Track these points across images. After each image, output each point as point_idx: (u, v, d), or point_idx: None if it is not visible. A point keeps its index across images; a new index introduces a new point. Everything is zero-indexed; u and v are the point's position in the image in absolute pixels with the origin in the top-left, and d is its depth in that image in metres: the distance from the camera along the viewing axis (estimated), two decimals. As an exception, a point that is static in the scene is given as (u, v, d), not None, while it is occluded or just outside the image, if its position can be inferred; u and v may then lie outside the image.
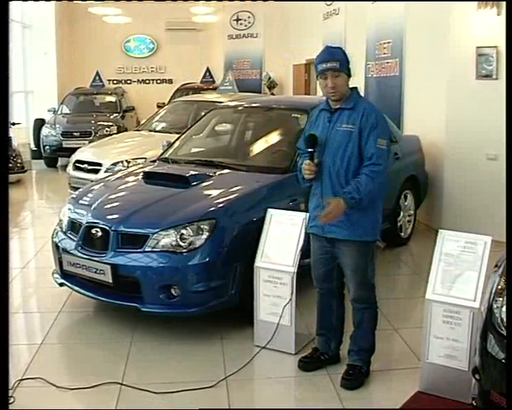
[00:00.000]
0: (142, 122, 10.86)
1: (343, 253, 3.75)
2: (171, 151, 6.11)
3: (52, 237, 5.06)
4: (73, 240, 4.72)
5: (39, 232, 7.76)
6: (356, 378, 3.82)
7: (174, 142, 6.34)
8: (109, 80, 17.30)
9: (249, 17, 14.73)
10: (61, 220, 5.07)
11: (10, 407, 3.42)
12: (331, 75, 3.64)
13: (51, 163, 13.23)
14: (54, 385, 3.79)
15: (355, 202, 3.54)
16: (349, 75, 3.72)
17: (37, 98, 15.17)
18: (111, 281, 4.44)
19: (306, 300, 4.42)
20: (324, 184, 3.71)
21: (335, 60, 3.65)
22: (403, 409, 3.55)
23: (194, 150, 6.31)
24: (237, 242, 4.46)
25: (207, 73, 17.35)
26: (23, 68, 14.86)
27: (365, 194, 3.55)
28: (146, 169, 5.58)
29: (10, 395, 3.57)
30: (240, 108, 6.62)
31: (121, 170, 6.85)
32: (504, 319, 2.83)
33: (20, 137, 12.42)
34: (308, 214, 3.93)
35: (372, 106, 3.78)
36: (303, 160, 3.81)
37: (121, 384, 3.80)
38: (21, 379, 3.84)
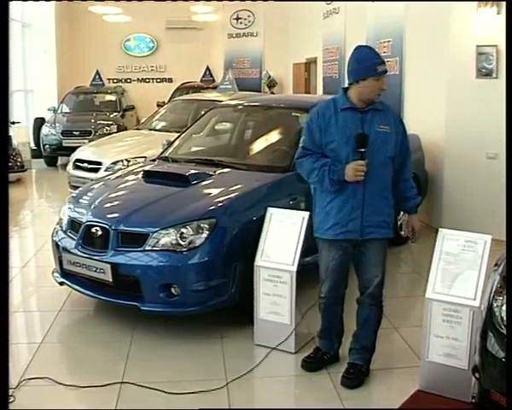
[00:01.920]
0: (142, 121, 10.86)
1: (371, 251, 3.74)
2: (171, 150, 6.10)
3: (52, 236, 5.06)
4: (73, 239, 4.72)
5: (39, 231, 7.76)
6: (356, 377, 3.82)
7: (174, 141, 6.34)
8: (109, 79, 17.29)
9: (249, 16, 14.69)
10: (61, 219, 5.07)
11: (12, 406, 3.43)
12: (384, 78, 3.67)
13: (51, 162, 13.23)
14: (61, 384, 3.78)
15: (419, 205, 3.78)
16: None
17: (37, 97, 15.16)
18: (111, 280, 4.44)
19: (306, 298, 4.42)
20: (369, 184, 3.62)
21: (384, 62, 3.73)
22: (403, 408, 3.55)
23: (194, 149, 6.31)
24: (237, 241, 4.46)
25: (207, 72, 17.34)
26: (23, 67, 14.84)
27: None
28: (146, 168, 5.57)
29: (11, 394, 3.57)
30: (240, 106, 6.62)
31: (121, 169, 6.85)
32: (504, 318, 2.83)
33: (20, 136, 12.41)
34: (330, 221, 3.72)
35: (392, 108, 3.93)
36: (319, 161, 3.66)
37: (132, 384, 3.79)
38: (28, 378, 3.83)
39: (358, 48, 3.77)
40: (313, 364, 4.00)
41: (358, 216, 3.65)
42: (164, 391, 3.69)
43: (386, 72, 3.68)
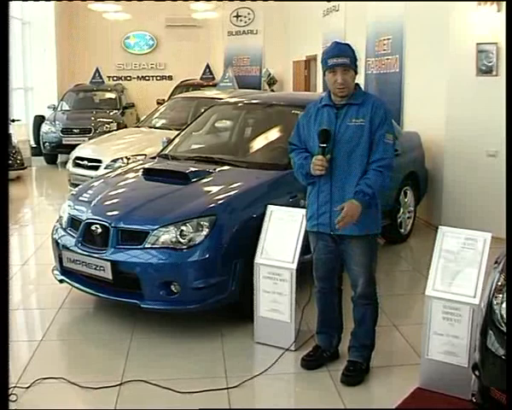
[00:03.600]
0: (142, 119, 10.85)
1: (351, 249, 3.73)
2: (170, 148, 6.10)
3: (52, 234, 5.06)
4: (73, 237, 4.72)
5: (39, 229, 7.77)
6: (356, 375, 3.82)
7: (174, 138, 6.33)
8: (109, 77, 17.28)
9: (249, 14, 14.72)
10: (60, 217, 5.07)
11: (15, 405, 3.44)
12: (341, 71, 3.63)
13: (51, 160, 13.24)
14: (77, 385, 3.75)
15: (369, 198, 3.58)
16: (356, 72, 3.74)
17: (36, 95, 15.17)
18: (111, 278, 4.44)
19: (306, 296, 4.42)
20: (335, 179, 3.65)
21: (345, 56, 3.66)
22: (402, 406, 3.55)
23: (193, 147, 6.30)
24: (237, 238, 4.46)
25: (207, 70, 17.32)
26: (23, 65, 14.85)
27: (376, 188, 3.60)
28: (146, 166, 5.56)
29: (14, 393, 3.57)
30: (240, 104, 6.61)
31: (121, 167, 6.85)
32: (504, 316, 2.83)
33: (20, 133, 12.41)
34: (308, 212, 3.85)
35: (380, 100, 3.82)
36: (300, 156, 3.78)
37: (145, 382, 3.78)
38: (43, 378, 3.81)
39: (331, 43, 3.85)
40: (312, 362, 3.99)
41: (327, 210, 3.69)
42: (177, 391, 3.67)
43: (339, 65, 3.62)
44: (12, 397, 3.51)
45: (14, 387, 3.64)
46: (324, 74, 3.75)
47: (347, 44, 3.83)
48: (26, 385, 3.71)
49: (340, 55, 3.65)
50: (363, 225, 3.66)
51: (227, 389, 3.73)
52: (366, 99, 3.73)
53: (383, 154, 3.63)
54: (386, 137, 3.66)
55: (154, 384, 3.74)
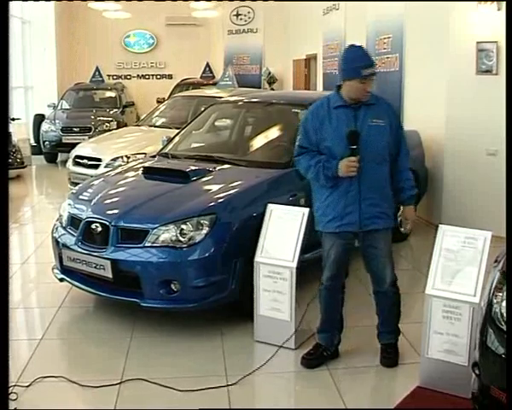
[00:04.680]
0: (142, 117, 10.85)
1: (377, 242, 3.85)
2: (170, 146, 6.10)
3: (52, 233, 5.06)
4: (73, 235, 4.72)
5: (39, 228, 7.77)
6: (395, 355, 4.01)
7: (174, 137, 6.34)
8: (109, 76, 17.29)
9: (249, 12, 14.71)
10: (60, 216, 5.07)
11: (14, 404, 3.43)
12: (370, 80, 3.71)
13: (51, 158, 13.24)
14: (77, 384, 3.75)
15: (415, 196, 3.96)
16: None
17: (36, 94, 15.17)
18: (111, 276, 4.44)
19: (306, 295, 4.42)
20: (363, 178, 3.71)
21: (374, 64, 3.79)
22: (402, 405, 3.55)
23: (193, 145, 6.31)
24: (237, 237, 4.46)
25: (207, 69, 17.34)
26: (23, 64, 14.85)
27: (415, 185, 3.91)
28: (146, 164, 5.57)
29: (15, 391, 3.58)
30: (240, 103, 6.62)
31: (121, 165, 6.85)
32: (504, 314, 2.82)
33: (20, 132, 12.41)
34: (329, 214, 3.80)
35: (387, 100, 3.98)
36: (317, 158, 3.76)
37: (146, 381, 3.79)
38: (43, 377, 3.81)
39: (349, 47, 3.87)
40: (313, 360, 4.00)
41: (355, 210, 3.75)
42: (177, 389, 3.67)
43: (373, 74, 3.72)
44: (12, 396, 3.51)
45: (14, 386, 3.64)
46: (349, 80, 3.70)
47: (366, 49, 3.91)
48: (26, 384, 3.71)
49: (372, 65, 3.76)
50: (389, 218, 3.86)
51: (227, 386, 3.73)
52: (377, 100, 3.85)
53: (407, 150, 3.95)
54: (403, 134, 3.96)
55: (154, 383, 3.74)
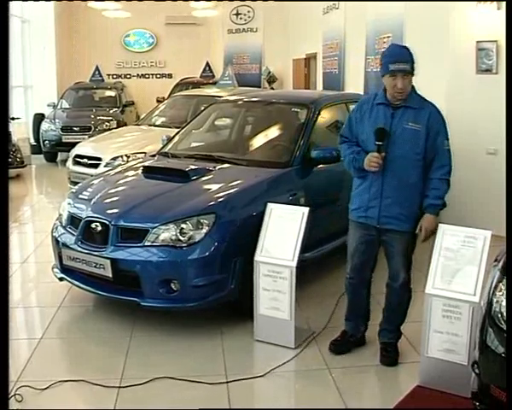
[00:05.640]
0: (142, 117, 10.84)
1: (394, 241, 3.88)
2: (170, 146, 6.10)
3: (52, 232, 5.06)
4: (73, 235, 4.72)
5: (39, 227, 7.77)
6: (394, 354, 4.01)
7: (174, 136, 6.33)
8: (109, 75, 17.27)
9: (249, 11, 14.69)
10: (60, 215, 5.07)
11: (14, 403, 3.43)
12: (401, 76, 3.72)
13: (51, 158, 13.23)
14: (100, 385, 3.74)
15: (440, 208, 3.79)
16: (413, 75, 3.80)
17: (36, 93, 15.15)
18: (111, 275, 4.44)
19: (306, 294, 4.42)
20: (387, 176, 3.78)
21: (406, 61, 3.75)
22: (402, 405, 3.55)
23: (193, 145, 6.30)
24: (237, 236, 4.46)
25: (207, 68, 17.33)
26: (22, 63, 14.83)
27: (443, 197, 3.78)
28: (145, 164, 5.57)
29: (18, 393, 3.57)
30: (239, 102, 6.61)
31: (121, 164, 6.85)
32: (504, 313, 2.83)
33: (20, 131, 12.41)
34: (355, 203, 3.95)
35: (436, 108, 3.94)
36: (352, 149, 3.89)
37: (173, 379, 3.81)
38: (64, 380, 3.80)
39: (390, 46, 4.02)
40: (340, 346, 4.12)
41: (376, 205, 3.83)
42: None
43: (400, 71, 3.71)
44: (17, 397, 3.51)
45: (14, 385, 3.64)
46: (383, 76, 3.80)
47: (406, 48, 3.92)
48: (26, 383, 3.70)
49: (402, 61, 3.74)
50: (411, 222, 3.82)
51: (226, 383, 3.73)
52: (424, 105, 3.87)
53: (444, 161, 3.80)
54: (445, 145, 3.82)
55: (181, 379, 3.76)
